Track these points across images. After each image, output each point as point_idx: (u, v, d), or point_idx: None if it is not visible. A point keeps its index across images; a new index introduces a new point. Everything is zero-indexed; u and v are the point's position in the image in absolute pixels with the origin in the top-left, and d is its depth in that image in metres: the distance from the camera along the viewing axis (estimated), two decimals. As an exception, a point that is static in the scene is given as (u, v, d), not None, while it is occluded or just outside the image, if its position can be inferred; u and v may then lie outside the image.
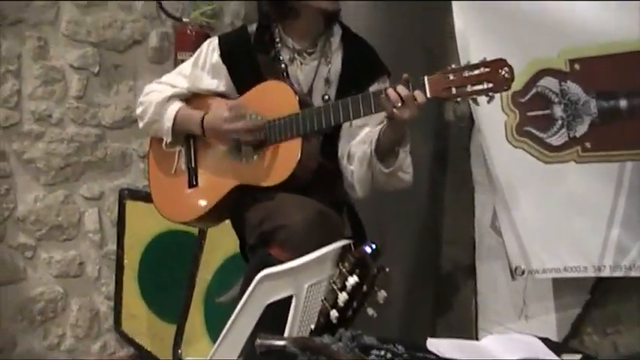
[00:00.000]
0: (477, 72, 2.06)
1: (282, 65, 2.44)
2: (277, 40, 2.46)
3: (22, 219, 3.51)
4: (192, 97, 2.54)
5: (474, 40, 2.84)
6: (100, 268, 3.71)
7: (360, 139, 2.37)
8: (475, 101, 2.10)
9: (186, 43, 3.65)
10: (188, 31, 3.66)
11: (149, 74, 3.64)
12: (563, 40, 2.68)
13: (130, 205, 3.64)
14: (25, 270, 3.54)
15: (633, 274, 2.65)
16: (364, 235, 2.57)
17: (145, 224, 3.56)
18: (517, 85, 2.76)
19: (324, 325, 1.56)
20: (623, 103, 2.60)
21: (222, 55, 2.47)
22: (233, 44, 2.50)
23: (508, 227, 2.84)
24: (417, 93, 2.11)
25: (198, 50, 2.56)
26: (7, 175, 3.48)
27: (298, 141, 2.29)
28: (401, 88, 2.12)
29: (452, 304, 3.62)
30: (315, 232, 2.12)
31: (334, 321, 1.54)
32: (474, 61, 2.85)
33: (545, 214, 2.80)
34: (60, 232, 3.60)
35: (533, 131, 2.79)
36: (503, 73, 2.05)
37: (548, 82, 2.74)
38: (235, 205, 2.38)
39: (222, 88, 2.49)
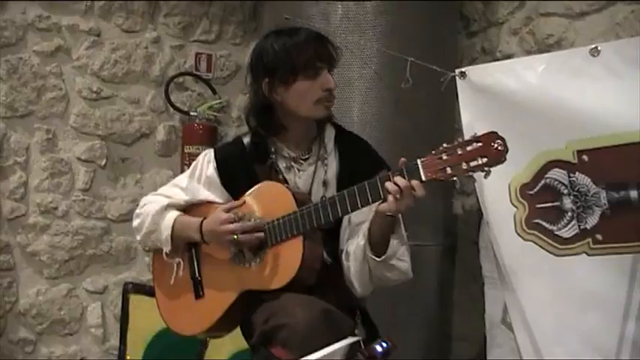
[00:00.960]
0: (469, 148, 2.02)
1: (280, 175, 2.39)
2: (272, 150, 2.42)
3: (24, 313, 3.45)
4: (190, 208, 2.47)
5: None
6: (102, 365, 3.61)
7: (356, 235, 2.30)
8: (472, 178, 2.07)
9: (194, 136, 3.66)
10: (195, 125, 3.68)
11: (156, 167, 3.64)
12: (570, 132, 2.64)
13: (134, 300, 3.55)
14: (25, 366, 3.45)
15: (652, 370, 2.53)
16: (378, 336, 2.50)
17: (149, 319, 3.43)
18: (525, 177, 2.74)
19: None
20: (633, 193, 2.54)
21: (218, 168, 2.44)
22: (229, 156, 2.46)
23: (519, 322, 2.73)
24: (415, 183, 2.06)
25: (194, 162, 2.51)
26: (11, 268, 3.45)
27: (299, 240, 2.22)
28: (399, 179, 2.07)
29: (462, 403, 3.50)
30: (318, 331, 2.04)
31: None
32: None
33: (557, 308, 2.69)
34: (62, 326, 3.52)
35: (543, 223, 2.72)
36: (496, 145, 2.00)
37: (557, 174, 2.68)
38: (243, 310, 2.30)
39: (218, 200, 2.43)
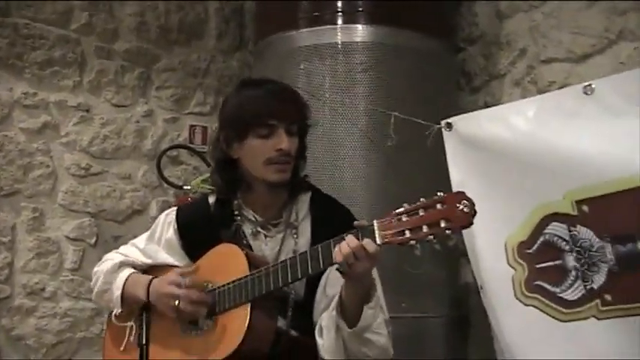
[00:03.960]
0: (432, 210, 1.72)
1: (244, 241, 2.12)
2: (237, 213, 2.17)
3: (9, 402, 3.19)
4: (151, 270, 2.23)
5: (470, 191, 2.50)
6: None
7: (330, 309, 1.99)
8: (434, 244, 1.74)
9: (188, 211, 3.44)
10: (189, 199, 3.45)
11: (150, 244, 3.41)
12: (568, 181, 2.31)
13: (130, 387, 3.28)
14: None
15: None
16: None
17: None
18: (523, 235, 2.42)
19: None
20: (642, 246, 2.19)
21: (179, 230, 2.20)
22: (191, 219, 2.22)
23: (520, 394, 2.37)
24: (367, 242, 1.77)
25: (155, 222, 2.28)
26: (-6, 355, 3.21)
27: (246, 308, 1.94)
28: (350, 239, 1.79)
29: None
30: None
31: None
32: (477, 217, 2.60)
33: (567, 378, 2.32)
34: (50, 418, 3.25)
35: (545, 285, 2.37)
36: (462, 207, 1.70)
37: (556, 229, 2.35)
38: None
39: (176, 263, 2.19)
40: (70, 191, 3.40)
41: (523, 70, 3.09)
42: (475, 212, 1.71)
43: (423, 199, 1.74)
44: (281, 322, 2.02)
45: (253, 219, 2.14)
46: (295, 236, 2.10)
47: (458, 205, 1.70)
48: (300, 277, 1.90)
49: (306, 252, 1.90)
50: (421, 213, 1.72)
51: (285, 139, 2.03)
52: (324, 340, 1.97)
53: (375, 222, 1.78)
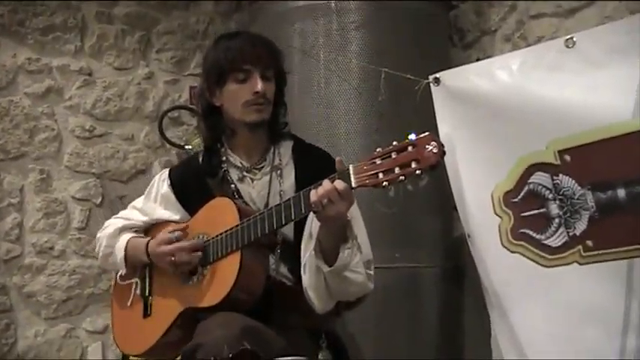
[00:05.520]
0: (404, 153, 1.79)
1: (232, 185, 2.24)
2: (223, 159, 2.27)
3: (23, 355, 3.30)
4: (151, 228, 2.37)
5: (458, 144, 2.57)
6: (104, 407, 3.43)
7: (311, 248, 2.08)
8: (406, 185, 1.81)
9: (190, 169, 3.51)
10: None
11: (154, 203, 3.49)
12: (550, 131, 2.36)
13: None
14: (24, 411, 3.31)
15: (658, 387, 2.19)
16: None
17: (149, 358, 3.30)
18: (508, 185, 2.47)
19: None
20: (621, 193, 2.23)
21: (172, 185, 2.32)
22: (183, 173, 2.35)
23: (508, 343, 2.44)
24: (338, 182, 1.86)
25: (151, 182, 2.42)
26: (8, 310, 3.32)
27: (237, 255, 2.04)
28: (325, 182, 1.88)
29: None
30: (236, 350, 1.81)
31: None
32: (464, 168, 2.65)
33: (551, 325, 2.38)
34: (61, 368, 3.37)
35: (530, 233, 2.43)
36: (431, 148, 1.76)
37: (540, 178, 2.40)
38: (187, 332, 2.11)
39: (175, 217, 2.31)
40: (75, 153, 3.48)
41: (513, 25, 3.12)
42: (444, 153, 1.78)
43: (396, 142, 1.82)
44: (272, 265, 2.12)
45: (239, 164, 2.26)
46: (280, 178, 2.21)
47: (427, 146, 1.76)
48: (284, 223, 2.01)
49: (289, 199, 1.99)
50: (393, 156, 1.80)
51: (260, 82, 2.15)
52: (307, 278, 2.07)
53: (350, 166, 1.86)
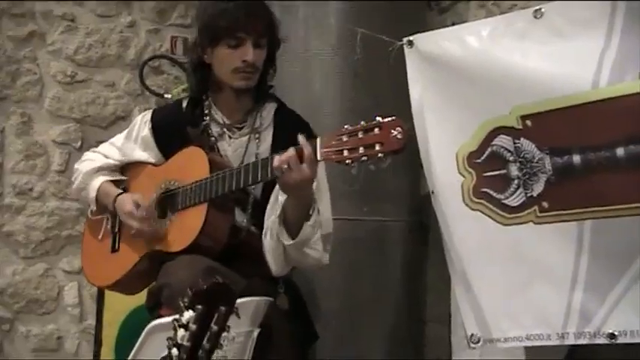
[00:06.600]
0: (370, 134, 1.88)
1: (212, 138, 2.34)
2: (206, 113, 2.36)
3: (0, 292, 3.42)
4: (126, 166, 2.50)
5: (427, 105, 2.68)
6: (79, 343, 3.56)
7: (275, 214, 2.20)
8: (368, 165, 1.91)
9: (169, 118, 3.58)
10: (165, 105, 3.60)
11: (133, 149, 3.57)
12: (515, 97, 2.47)
13: (110, 280, 3.51)
14: (2, 344, 3.42)
15: (598, 340, 2.34)
16: (304, 307, 2.42)
17: (124, 298, 3.38)
18: (473, 145, 2.58)
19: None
20: (576, 158, 2.36)
21: (153, 129, 2.42)
22: (165, 118, 2.45)
23: (463, 293, 2.58)
24: (303, 150, 1.95)
25: (133, 122, 2.53)
26: (-13, 248, 3.43)
27: (204, 207, 2.17)
28: (290, 150, 1.98)
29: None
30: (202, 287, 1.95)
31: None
32: (432, 128, 2.76)
33: (505, 279, 2.52)
34: (38, 305, 3.49)
35: (491, 192, 2.55)
36: (395, 133, 1.86)
37: (503, 141, 2.51)
38: (151, 271, 2.25)
39: (152, 160, 2.43)
40: (56, 97, 3.54)
41: (487, -10, 3.23)
42: (407, 139, 1.87)
43: (363, 122, 1.91)
44: (240, 219, 2.24)
45: (221, 121, 2.36)
46: (258, 141, 2.31)
47: (392, 131, 1.86)
48: (250, 183, 2.12)
49: (257, 161, 2.10)
50: (360, 135, 1.89)
51: (251, 51, 2.23)
52: (267, 242, 2.20)
53: (318, 139, 1.96)
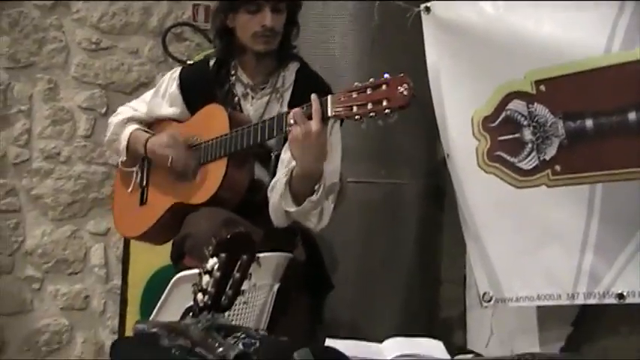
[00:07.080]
0: (378, 90, 1.95)
1: (236, 98, 2.42)
2: (232, 73, 2.44)
3: (30, 252, 3.53)
4: (156, 121, 2.58)
5: (443, 71, 2.74)
6: (106, 302, 3.66)
7: (284, 175, 2.27)
8: (376, 120, 1.97)
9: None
10: (192, 65, 3.67)
11: (155, 115, 3.65)
12: (529, 62, 2.53)
13: (135, 242, 3.61)
14: (32, 302, 3.55)
15: (607, 301, 2.42)
16: (320, 258, 2.49)
17: (148, 259, 3.50)
18: (487, 110, 2.65)
19: (197, 309, 1.47)
20: (589, 123, 2.42)
21: (181, 86, 2.50)
22: (192, 76, 2.53)
23: (477, 256, 2.67)
24: (314, 105, 2.03)
25: (162, 79, 2.61)
26: (17, 210, 3.53)
27: (224, 161, 2.27)
28: (297, 109, 2.06)
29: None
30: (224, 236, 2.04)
31: (201, 304, 1.46)
32: (448, 93, 2.81)
33: (517, 240, 2.60)
34: (66, 265, 3.60)
35: (504, 156, 2.62)
36: (402, 90, 1.92)
37: (517, 106, 2.58)
38: (177, 223, 2.34)
39: (178, 116, 2.52)
40: (81, 64, 3.61)
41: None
42: (413, 95, 1.92)
43: (372, 79, 1.98)
44: (260, 174, 2.33)
45: (245, 81, 2.44)
46: (279, 101, 2.39)
47: (399, 87, 1.92)
48: (267, 138, 2.22)
49: (273, 117, 2.18)
50: (368, 92, 1.96)
51: (269, 16, 2.31)
52: (271, 197, 2.27)
53: (329, 97, 2.03)
